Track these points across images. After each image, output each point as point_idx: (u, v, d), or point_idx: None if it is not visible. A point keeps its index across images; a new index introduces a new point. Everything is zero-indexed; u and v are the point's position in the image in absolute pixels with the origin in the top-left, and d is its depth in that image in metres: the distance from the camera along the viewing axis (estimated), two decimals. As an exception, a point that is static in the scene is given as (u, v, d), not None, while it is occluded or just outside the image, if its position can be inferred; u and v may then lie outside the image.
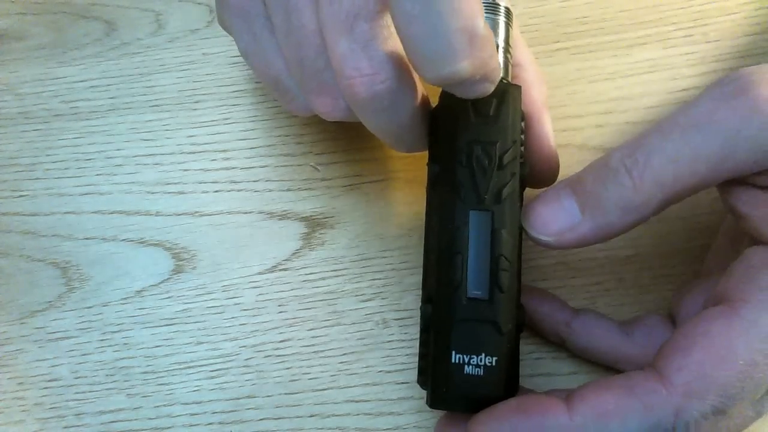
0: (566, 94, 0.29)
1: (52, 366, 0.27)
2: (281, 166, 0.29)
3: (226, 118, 0.30)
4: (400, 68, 0.20)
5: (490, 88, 0.20)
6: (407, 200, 0.28)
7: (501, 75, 0.22)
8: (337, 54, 0.20)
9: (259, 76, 0.24)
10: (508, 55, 0.24)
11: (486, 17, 0.23)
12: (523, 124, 0.23)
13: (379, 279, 0.28)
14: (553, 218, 0.21)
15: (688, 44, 0.30)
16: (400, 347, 0.27)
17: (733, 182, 0.21)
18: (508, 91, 0.22)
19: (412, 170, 0.29)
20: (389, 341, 0.27)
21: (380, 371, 0.27)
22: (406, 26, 0.18)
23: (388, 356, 0.27)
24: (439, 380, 0.22)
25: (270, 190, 0.29)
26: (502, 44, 0.23)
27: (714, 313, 0.21)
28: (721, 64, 0.29)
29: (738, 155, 0.19)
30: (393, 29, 0.19)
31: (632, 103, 0.29)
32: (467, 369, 0.21)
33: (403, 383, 0.27)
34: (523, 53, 0.26)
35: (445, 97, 0.23)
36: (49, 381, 0.27)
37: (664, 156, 0.20)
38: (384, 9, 0.19)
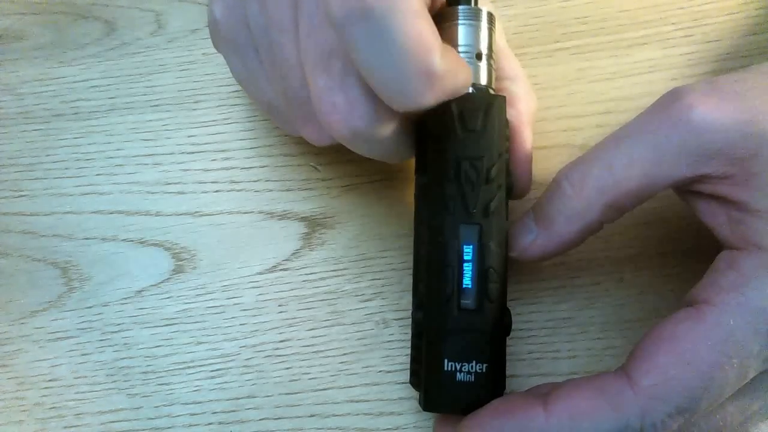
0: (566, 94, 0.29)
1: (52, 366, 0.27)
2: (281, 166, 0.29)
3: (226, 118, 0.30)
4: (376, 101, 0.20)
5: (463, 92, 0.22)
6: (407, 200, 0.28)
7: (485, 84, 0.23)
8: (315, 90, 0.20)
9: (252, 100, 0.24)
10: (492, 62, 0.23)
11: (468, 23, 0.23)
12: (507, 131, 0.23)
13: (379, 279, 0.28)
14: (517, 236, 0.23)
15: (688, 44, 0.30)
16: (400, 347, 0.27)
17: (691, 194, 0.22)
18: (493, 104, 0.22)
19: (411, 170, 0.29)
20: (389, 341, 0.27)
21: (380, 371, 0.27)
22: (368, 74, 0.19)
23: (388, 356, 0.27)
24: (432, 386, 0.22)
25: (270, 190, 0.29)
26: (485, 51, 0.23)
27: (680, 316, 0.21)
28: (721, 64, 0.29)
29: (669, 159, 0.21)
30: None
31: (632, 103, 0.29)
32: (459, 376, 0.22)
33: (403, 383, 0.27)
34: (511, 66, 0.26)
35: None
36: (49, 381, 0.27)
37: (601, 164, 0.22)
38: None
